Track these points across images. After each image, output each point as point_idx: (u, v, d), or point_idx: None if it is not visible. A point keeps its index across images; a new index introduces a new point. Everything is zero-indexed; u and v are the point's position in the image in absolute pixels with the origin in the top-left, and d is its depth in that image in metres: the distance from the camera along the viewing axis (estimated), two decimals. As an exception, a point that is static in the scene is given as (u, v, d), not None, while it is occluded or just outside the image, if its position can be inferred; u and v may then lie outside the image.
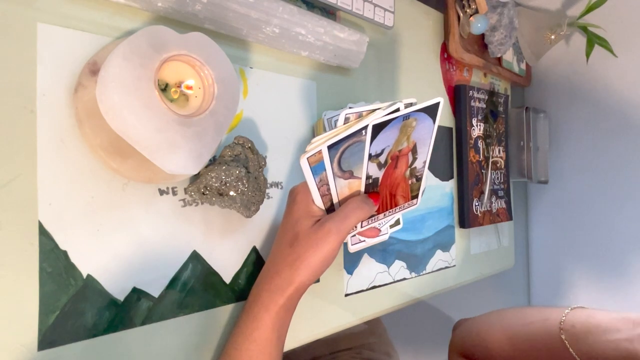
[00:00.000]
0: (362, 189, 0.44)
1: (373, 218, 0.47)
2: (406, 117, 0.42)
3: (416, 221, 0.73)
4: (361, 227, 0.47)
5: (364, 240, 0.51)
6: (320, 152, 0.39)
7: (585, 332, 0.51)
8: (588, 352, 0.50)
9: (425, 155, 0.47)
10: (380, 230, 0.51)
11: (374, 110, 0.41)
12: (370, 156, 0.42)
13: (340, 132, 0.40)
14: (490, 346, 0.58)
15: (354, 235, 0.50)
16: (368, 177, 0.43)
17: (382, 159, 0.43)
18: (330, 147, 0.39)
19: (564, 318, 0.54)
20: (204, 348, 0.45)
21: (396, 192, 0.48)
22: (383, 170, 0.44)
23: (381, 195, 0.46)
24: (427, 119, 0.44)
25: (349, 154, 0.41)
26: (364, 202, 0.43)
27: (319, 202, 0.43)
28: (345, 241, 0.49)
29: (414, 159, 0.47)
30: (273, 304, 0.41)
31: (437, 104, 0.43)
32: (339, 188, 0.43)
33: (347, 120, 0.41)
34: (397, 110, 0.41)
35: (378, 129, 0.40)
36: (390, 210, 0.49)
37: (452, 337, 0.66)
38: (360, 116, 0.41)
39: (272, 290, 0.42)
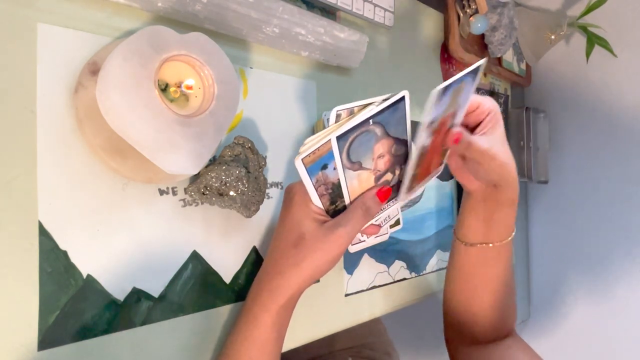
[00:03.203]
0: (415, 160, 0.43)
1: (413, 190, 0.47)
2: (460, 80, 0.42)
3: (416, 221, 0.73)
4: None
5: (364, 240, 0.51)
6: (314, 152, 0.39)
7: None
8: None
9: (460, 118, 0.47)
10: (380, 226, 0.51)
11: (366, 105, 0.41)
12: (428, 124, 0.41)
13: (333, 130, 0.39)
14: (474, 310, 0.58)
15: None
16: (423, 147, 0.43)
17: (434, 125, 0.43)
18: (339, 138, 0.39)
19: None
20: (204, 348, 0.45)
21: (432, 159, 0.48)
22: (432, 138, 0.44)
23: (423, 165, 0.46)
24: (471, 82, 0.44)
25: (357, 144, 0.41)
26: (372, 202, 0.44)
27: (317, 202, 0.42)
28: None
29: (452, 124, 0.47)
30: (274, 304, 0.41)
31: (481, 65, 0.44)
32: (349, 180, 0.42)
33: (338, 117, 0.40)
34: (399, 99, 0.41)
35: (441, 94, 0.40)
36: (425, 180, 0.49)
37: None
38: (351, 112, 0.41)
39: (272, 290, 0.42)
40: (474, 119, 0.49)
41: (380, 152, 0.43)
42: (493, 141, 0.48)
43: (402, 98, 0.41)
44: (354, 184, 0.43)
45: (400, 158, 0.45)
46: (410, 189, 0.47)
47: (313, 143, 0.39)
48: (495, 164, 0.48)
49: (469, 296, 0.57)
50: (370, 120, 0.40)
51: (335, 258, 0.42)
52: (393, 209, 0.50)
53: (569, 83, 1.06)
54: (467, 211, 0.55)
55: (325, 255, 0.41)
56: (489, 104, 0.49)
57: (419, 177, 0.47)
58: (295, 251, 0.41)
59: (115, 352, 0.38)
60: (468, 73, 0.43)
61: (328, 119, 0.41)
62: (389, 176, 0.45)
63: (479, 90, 0.87)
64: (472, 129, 0.50)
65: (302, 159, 0.39)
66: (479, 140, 0.47)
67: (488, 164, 0.48)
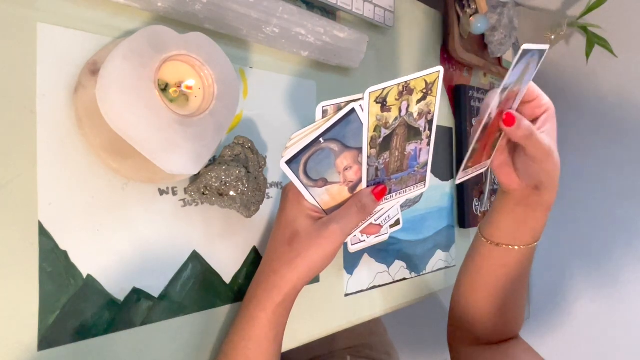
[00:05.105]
0: (481, 128, 0.42)
1: (468, 170, 0.47)
2: (533, 54, 0.41)
3: (416, 221, 0.73)
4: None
5: (364, 240, 0.51)
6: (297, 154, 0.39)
7: None
8: None
9: (516, 104, 0.46)
10: (381, 227, 0.51)
11: (351, 101, 0.40)
12: (503, 88, 0.41)
13: (320, 125, 0.39)
14: (473, 305, 0.57)
15: (354, 235, 0.50)
16: (489, 114, 0.42)
17: (503, 96, 0.42)
18: (289, 162, 0.39)
19: None
20: (204, 348, 0.45)
21: (488, 144, 0.47)
22: (497, 112, 0.43)
23: (482, 143, 0.45)
24: (535, 65, 0.44)
25: (313, 163, 0.40)
26: (368, 199, 0.43)
27: (310, 200, 0.42)
28: (345, 241, 0.48)
29: (511, 107, 0.45)
30: (270, 303, 0.41)
31: (545, 50, 0.43)
32: (317, 197, 0.42)
33: (325, 113, 0.40)
34: (348, 112, 0.40)
35: (525, 54, 0.40)
36: (477, 167, 0.48)
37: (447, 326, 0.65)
38: (339, 108, 0.40)
39: (269, 289, 0.42)
40: (530, 112, 0.47)
41: (345, 165, 0.42)
42: (552, 141, 0.47)
43: (352, 111, 0.39)
44: (325, 198, 0.43)
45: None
46: (466, 168, 0.46)
47: (298, 139, 0.39)
48: (549, 164, 0.46)
49: (482, 295, 0.56)
50: (321, 139, 0.39)
51: (330, 254, 0.41)
52: (393, 209, 0.49)
53: (569, 83, 1.06)
54: (498, 211, 0.53)
55: (318, 251, 0.41)
56: (547, 100, 0.47)
57: (476, 157, 0.46)
58: (289, 248, 0.41)
59: (115, 352, 0.38)
60: (538, 51, 0.41)
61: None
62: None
63: (478, 91, 0.87)
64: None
65: (285, 162, 0.39)
66: (540, 134, 0.45)
67: (543, 163, 0.46)
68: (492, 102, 0.42)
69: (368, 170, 0.42)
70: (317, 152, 0.40)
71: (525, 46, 0.39)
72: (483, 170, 0.51)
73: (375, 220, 0.50)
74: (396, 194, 0.47)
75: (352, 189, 0.43)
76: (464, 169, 0.47)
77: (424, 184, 0.49)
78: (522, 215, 0.51)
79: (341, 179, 0.42)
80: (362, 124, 0.40)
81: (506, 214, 0.52)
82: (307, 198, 0.42)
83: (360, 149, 0.41)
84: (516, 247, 0.52)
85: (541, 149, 0.45)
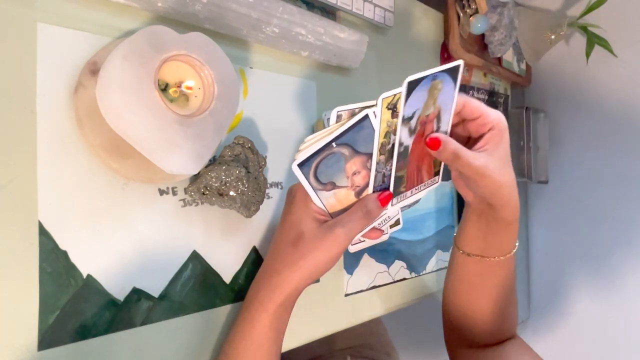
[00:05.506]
0: (395, 158, 0.43)
1: (401, 196, 0.46)
2: (434, 77, 0.41)
3: (416, 221, 0.73)
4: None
5: (364, 240, 0.51)
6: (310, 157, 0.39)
7: None
8: None
9: (447, 124, 0.46)
10: (383, 231, 0.51)
11: (366, 107, 0.40)
12: (403, 119, 0.41)
13: (334, 130, 0.39)
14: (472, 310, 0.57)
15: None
16: (400, 144, 0.42)
17: (412, 123, 0.42)
18: (301, 165, 0.39)
19: None
20: (204, 348, 0.45)
21: (422, 165, 0.46)
22: (413, 138, 0.43)
23: (410, 167, 0.45)
24: (450, 83, 0.43)
25: (324, 167, 0.41)
26: (373, 205, 0.43)
27: (318, 203, 0.43)
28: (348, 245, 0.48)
29: (437, 127, 0.45)
30: (271, 303, 0.41)
31: (458, 67, 0.42)
32: (324, 200, 0.43)
33: (339, 118, 0.40)
34: (362, 118, 0.40)
35: (413, 86, 0.39)
36: (416, 187, 0.47)
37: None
38: (353, 114, 0.41)
39: (270, 289, 0.42)
40: (475, 129, 0.46)
41: (354, 170, 0.42)
42: (490, 160, 0.44)
43: (366, 117, 0.40)
44: (332, 202, 0.43)
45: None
46: (398, 193, 0.46)
47: (312, 142, 0.39)
48: (488, 183, 0.45)
49: (467, 302, 0.56)
50: (333, 144, 0.40)
51: (334, 258, 0.41)
52: (393, 210, 0.50)
53: (569, 83, 1.06)
54: (466, 221, 0.53)
55: (323, 254, 0.41)
56: (493, 117, 0.45)
57: (408, 182, 0.46)
58: (293, 250, 0.41)
59: (115, 352, 0.38)
60: (443, 71, 0.41)
61: (328, 119, 0.41)
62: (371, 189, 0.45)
63: (478, 91, 0.87)
64: (474, 141, 0.47)
65: (297, 165, 0.39)
66: (470, 155, 0.44)
67: (479, 182, 0.45)
68: (398, 137, 0.42)
69: (376, 176, 0.43)
70: (329, 156, 0.40)
71: (408, 79, 0.39)
72: (432, 187, 0.50)
73: (379, 225, 0.50)
74: (411, 192, 0.47)
75: (358, 193, 0.44)
76: (398, 195, 0.46)
77: (438, 179, 0.49)
78: (485, 228, 0.51)
79: (349, 184, 0.43)
80: (373, 130, 0.41)
81: (471, 224, 0.52)
82: (315, 201, 0.42)
83: (369, 155, 0.42)
84: (487, 259, 0.52)
85: (471, 168, 0.44)
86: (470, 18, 0.77)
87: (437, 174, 0.50)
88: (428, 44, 0.77)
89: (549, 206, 1.10)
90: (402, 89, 0.39)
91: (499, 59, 0.92)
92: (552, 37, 0.93)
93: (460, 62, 0.43)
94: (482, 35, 0.84)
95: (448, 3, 0.78)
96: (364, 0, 0.60)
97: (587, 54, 0.94)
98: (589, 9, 0.91)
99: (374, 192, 0.44)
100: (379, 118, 0.40)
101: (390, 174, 0.44)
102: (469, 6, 0.77)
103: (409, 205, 0.51)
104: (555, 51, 1.03)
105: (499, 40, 0.83)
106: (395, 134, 0.42)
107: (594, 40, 0.93)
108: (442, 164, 0.49)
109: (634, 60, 0.96)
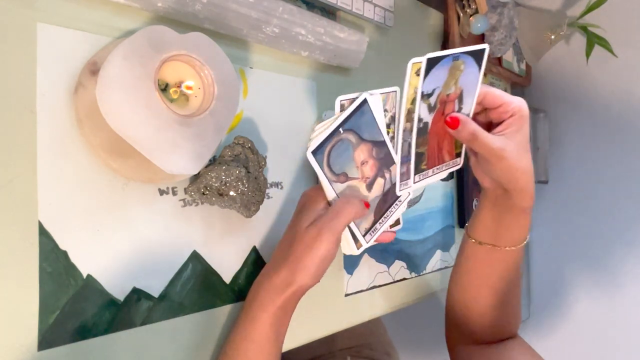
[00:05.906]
0: (415, 132, 0.43)
1: (422, 174, 0.46)
2: (456, 57, 0.41)
3: (416, 221, 0.73)
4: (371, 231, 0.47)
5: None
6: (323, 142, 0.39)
7: None
8: None
9: (470, 106, 0.46)
10: (395, 233, 0.50)
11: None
12: (422, 95, 0.41)
13: (338, 116, 0.40)
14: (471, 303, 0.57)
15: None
16: (420, 119, 0.42)
17: (432, 100, 0.42)
18: (315, 153, 0.39)
19: None
20: (204, 348, 0.45)
21: (443, 144, 0.46)
22: (432, 115, 0.43)
23: (430, 145, 0.45)
24: (473, 66, 0.43)
25: (335, 156, 0.41)
26: (354, 198, 0.43)
27: (331, 194, 0.42)
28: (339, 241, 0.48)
29: (460, 108, 0.45)
30: (271, 304, 0.41)
31: (484, 50, 0.43)
32: (339, 192, 0.42)
33: (342, 107, 0.40)
34: (360, 103, 0.40)
35: (433, 62, 0.39)
36: (437, 167, 0.47)
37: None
38: (354, 100, 0.41)
39: (270, 290, 0.42)
40: (497, 116, 0.47)
41: (362, 159, 0.43)
42: (508, 143, 0.45)
43: (365, 101, 0.40)
44: (346, 194, 0.43)
45: (386, 160, 0.45)
46: (420, 171, 0.46)
47: (321, 130, 0.40)
48: (504, 166, 0.45)
49: (473, 294, 0.57)
50: (340, 129, 0.40)
51: (323, 255, 0.40)
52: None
53: (569, 83, 1.06)
54: (480, 209, 0.53)
55: (311, 252, 0.40)
56: (515, 104, 0.46)
57: (429, 160, 0.46)
58: (289, 251, 0.42)
59: (115, 352, 0.38)
60: (466, 53, 0.42)
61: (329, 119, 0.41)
62: (380, 182, 0.45)
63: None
64: (495, 126, 0.47)
65: (311, 152, 0.39)
66: (488, 136, 0.44)
67: (496, 164, 0.46)
68: (417, 112, 0.42)
69: (402, 144, 0.43)
70: (338, 142, 0.40)
71: (427, 55, 0.39)
72: (454, 168, 0.51)
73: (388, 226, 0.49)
74: (432, 171, 0.48)
75: (369, 185, 0.44)
76: (419, 172, 0.46)
77: (460, 161, 0.50)
78: (498, 216, 0.52)
79: (359, 175, 0.43)
80: (373, 115, 0.41)
81: (486, 212, 0.53)
82: (329, 193, 0.42)
83: (373, 142, 0.42)
84: (498, 248, 0.52)
85: (489, 150, 0.45)
86: (470, 18, 0.77)
87: (458, 155, 0.50)
88: (428, 44, 0.77)
89: (549, 206, 1.10)
90: (422, 65, 0.39)
91: (499, 59, 0.92)
92: (552, 37, 0.93)
93: (485, 45, 0.43)
94: (482, 36, 0.84)
95: (448, 3, 0.78)
96: (364, 0, 0.60)
97: (587, 54, 0.94)
98: (589, 9, 0.91)
99: (401, 163, 0.44)
100: (407, 82, 0.40)
101: (410, 152, 0.44)
102: (469, 6, 0.77)
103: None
104: (555, 51, 1.03)
105: (499, 40, 0.83)
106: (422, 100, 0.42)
107: (594, 40, 0.93)
108: (464, 145, 0.49)
109: (634, 60, 0.97)
